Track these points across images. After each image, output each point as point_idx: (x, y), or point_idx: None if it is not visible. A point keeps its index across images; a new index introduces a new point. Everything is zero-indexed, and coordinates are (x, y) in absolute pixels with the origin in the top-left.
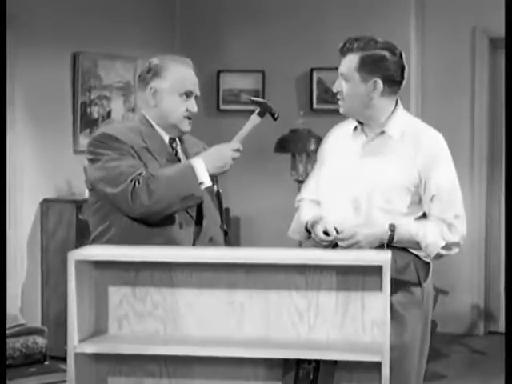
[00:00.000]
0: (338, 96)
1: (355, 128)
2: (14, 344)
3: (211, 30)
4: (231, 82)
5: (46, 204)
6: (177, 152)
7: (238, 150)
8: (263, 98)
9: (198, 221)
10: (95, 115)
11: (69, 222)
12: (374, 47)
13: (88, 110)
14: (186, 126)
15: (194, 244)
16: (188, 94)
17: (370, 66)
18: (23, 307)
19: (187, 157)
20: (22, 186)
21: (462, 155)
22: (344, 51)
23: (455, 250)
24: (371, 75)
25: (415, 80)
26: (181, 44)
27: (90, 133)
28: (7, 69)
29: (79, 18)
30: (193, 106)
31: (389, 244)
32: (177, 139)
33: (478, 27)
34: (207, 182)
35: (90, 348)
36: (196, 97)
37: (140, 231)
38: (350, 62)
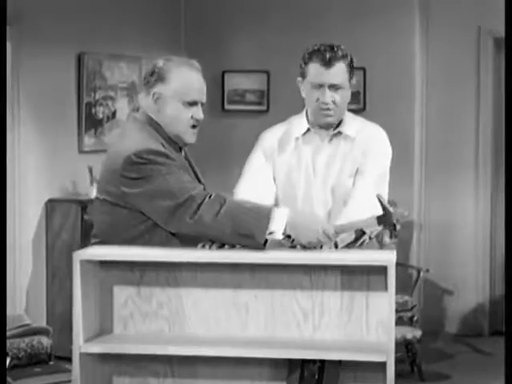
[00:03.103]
0: (330, 107)
1: (307, 130)
2: (19, 344)
3: (216, 31)
4: (236, 82)
5: (50, 204)
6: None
7: (328, 237)
8: (268, 98)
9: None
10: (100, 115)
11: (74, 222)
12: (346, 51)
13: (93, 110)
14: (190, 137)
15: None
16: (192, 104)
17: (352, 71)
18: (28, 307)
19: (192, 167)
20: (26, 186)
21: (467, 156)
22: (329, 61)
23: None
24: (352, 79)
25: (420, 81)
26: (186, 44)
27: (95, 133)
28: (11, 69)
29: (84, 19)
30: (198, 113)
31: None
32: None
33: (483, 27)
34: (277, 234)
35: (94, 348)
36: (202, 104)
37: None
38: (340, 70)
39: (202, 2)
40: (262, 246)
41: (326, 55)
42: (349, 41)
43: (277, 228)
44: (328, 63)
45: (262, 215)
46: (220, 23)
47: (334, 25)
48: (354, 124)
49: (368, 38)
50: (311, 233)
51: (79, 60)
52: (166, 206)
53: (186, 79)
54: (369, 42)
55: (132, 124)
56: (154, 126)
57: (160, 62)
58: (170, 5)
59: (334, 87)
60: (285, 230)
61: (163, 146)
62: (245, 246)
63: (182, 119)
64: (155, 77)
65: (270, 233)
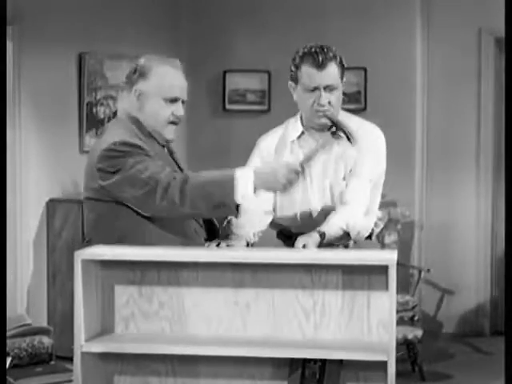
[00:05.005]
0: (326, 108)
1: (302, 133)
2: (20, 344)
3: (217, 30)
4: (237, 82)
5: (52, 204)
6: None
7: (297, 173)
8: (269, 98)
9: (210, 227)
10: (101, 115)
11: (75, 221)
12: (336, 51)
13: (94, 109)
14: (169, 134)
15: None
16: (173, 100)
17: (343, 71)
18: (29, 307)
19: (178, 165)
20: (27, 186)
21: (468, 156)
22: (323, 63)
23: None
24: (343, 79)
25: (421, 81)
26: (187, 44)
27: (96, 133)
28: (12, 69)
29: (85, 18)
30: (178, 109)
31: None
32: (165, 148)
33: (484, 27)
34: (248, 196)
35: (96, 347)
36: (183, 102)
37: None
38: (333, 71)
39: (203, 1)
40: (236, 211)
41: (319, 57)
42: (349, 41)
43: (245, 190)
44: (321, 65)
45: (227, 181)
46: (221, 23)
47: (335, 25)
48: (349, 124)
49: (369, 38)
50: (280, 177)
51: (80, 60)
52: (137, 195)
53: (166, 76)
54: (369, 42)
55: (113, 121)
56: (134, 122)
57: (141, 60)
58: (170, 4)
59: (328, 88)
60: (254, 188)
61: (141, 140)
62: (221, 216)
63: (162, 115)
64: (137, 74)
65: (242, 197)
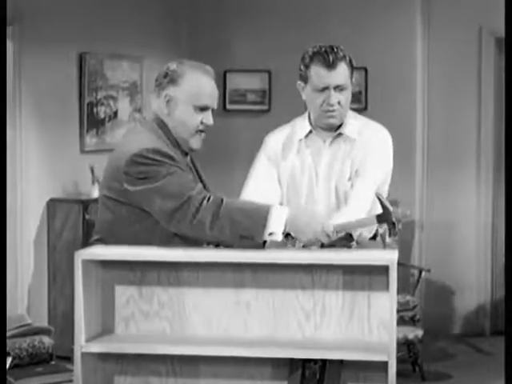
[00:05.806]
0: (335, 108)
1: (309, 132)
2: (20, 344)
3: (217, 30)
4: (238, 82)
5: (52, 204)
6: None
7: (327, 236)
8: (270, 98)
9: None
10: (102, 115)
11: (75, 221)
12: (345, 51)
13: (94, 109)
14: (196, 143)
15: None
16: (203, 109)
17: (352, 71)
18: (30, 307)
19: (198, 172)
20: (28, 185)
21: (469, 155)
22: (333, 63)
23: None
24: (352, 78)
25: (421, 80)
26: (187, 44)
27: (97, 133)
28: (13, 69)
29: (85, 18)
30: (208, 118)
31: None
32: (188, 156)
33: (484, 27)
34: (277, 235)
35: (96, 348)
36: (213, 110)
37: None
38: (343, 71)
39: (203, 1)
40: (262, 246)
41: (329, 57)
42: (350, 40)
43: (276, 228)
44: (331, 65)
45: (260, 216)
46: (221, 23)
47: (335, 24)
48: (355, 124)
49: (369, 38)
50: (311, 231)
51: (80, 59)
52: (165, 208)
53: (198, 83)
54: (370, 41)
55: (141, 124)
56: (163, 127)
57: (173, 65)
58: (171, 5)
59: (338, 88)
60: (284, 229)
61: (168, 148)
62: (245, 247)
63: (190, 123)
64: (168, 79)
65: (270, 233)
